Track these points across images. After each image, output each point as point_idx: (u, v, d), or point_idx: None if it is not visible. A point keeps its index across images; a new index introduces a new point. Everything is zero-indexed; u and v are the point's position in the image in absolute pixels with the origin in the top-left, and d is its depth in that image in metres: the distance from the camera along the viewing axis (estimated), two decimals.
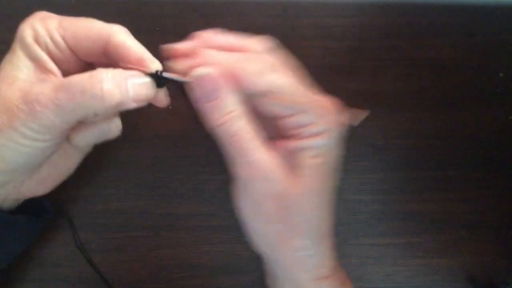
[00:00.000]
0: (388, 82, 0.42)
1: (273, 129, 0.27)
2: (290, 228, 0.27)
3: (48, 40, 0.26)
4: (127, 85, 0.25)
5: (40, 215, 0.33)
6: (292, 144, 0.26)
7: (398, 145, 0.41)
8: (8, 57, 0.27)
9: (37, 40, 0.26)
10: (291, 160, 0.26)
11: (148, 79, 0.26)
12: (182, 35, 0.44)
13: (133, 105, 0.26)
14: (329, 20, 0.44)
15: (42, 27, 0.26)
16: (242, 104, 0.25)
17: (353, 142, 0.41)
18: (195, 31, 0.45)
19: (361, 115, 0.24)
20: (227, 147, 0.26)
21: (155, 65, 0.27)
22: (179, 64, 0.26)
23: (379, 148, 0.41)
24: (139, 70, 0.26)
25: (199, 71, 0.24)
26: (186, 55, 0.26)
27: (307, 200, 0.26)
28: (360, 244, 0.39)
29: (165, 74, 0.26)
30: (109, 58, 0.28)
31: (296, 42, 0.43)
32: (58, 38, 0.27)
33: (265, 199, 0.27)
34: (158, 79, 0.27)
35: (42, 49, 0.26)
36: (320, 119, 0.26)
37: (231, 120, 0.25)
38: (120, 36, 0.27)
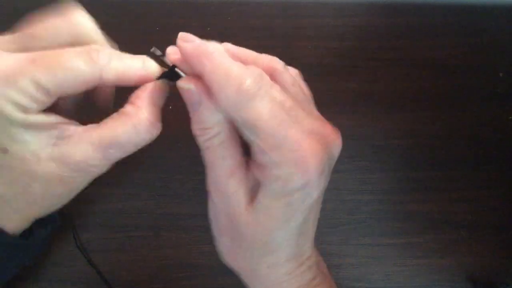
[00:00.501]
0: (388, 82, 0.42)
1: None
2: (236, 249, 0.28)
3: (36, 108, 0.23)
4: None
5: (46, 224, 0.32)
6: (259, 174, 0.25)
7: (398, 145, 0.41)
8: (4, 140, 0.23)
9: (25, 115, 0.22)
10: (253, 189, 0.26)
11: (166, 92, 0.26)
12: None
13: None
14: (329, 20, 0.44)
15: (22, 96, 0.22)
16: (222, 122, 0.25)
17: (353, 142, 0.41)
18: (195, 31, 0.45)
19: None
20: (202, 154, 0.26)
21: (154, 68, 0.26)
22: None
23: (379, 148, 0.41)
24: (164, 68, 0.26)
25: (182, 84, 0.24)
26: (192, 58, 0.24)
27: (254, 233, 0.26)
28: (360, 244, 0.39)
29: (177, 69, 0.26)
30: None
31: (296, 42, 0.43)
32: (45, 101, 0.23)
33: (218, 213, 0.27)
34: (174, 74, 0.26)
35: (38, 117, 0.23)
36: (286, 165, 0.23)
37: (205, 136, 0.25)
38: (111, 73, 0.24)
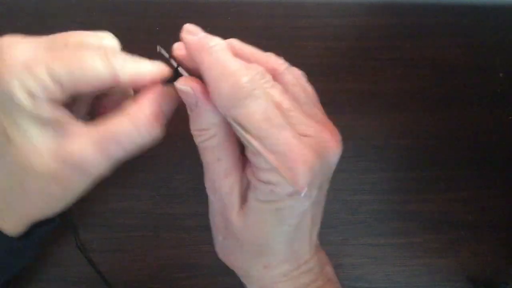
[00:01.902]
0: (388, 82, 0.42)
1: None
2: (228, 247, 0.28)
3: (47, 99, 0.23)
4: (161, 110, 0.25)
5: (46, 223, 0.32)
6: (250, 177, 0.25)
7: (398, 145, 0.41)
8: (10, 128, 0.23)
9: (35, 103, 0.22)
10: (246, 191, 0.26)
11: (175, 100, 0.26)
12: None
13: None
14: (329, 20, 0.44)
15: (34, 84, 0.22)
16: (218, 124, 0.24)
17: (353, 142, 0.41)
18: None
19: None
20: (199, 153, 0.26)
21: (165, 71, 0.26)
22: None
23: (379, 148, 0.41)
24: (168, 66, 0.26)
25: (179, 85, 0.24)
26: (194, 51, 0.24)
27: (245, 235, 0.26)
28: (360, 244, 0.39)
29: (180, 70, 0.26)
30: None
31: (296, 42, 0.43)
32: (55, 91, 0.23)
33: (216, 213, 0.27)
34: (177, 75, 0.26)
35: (44, 107, 0.23)
36: (277, 174, 0.23)
37: (201, 137, 0.25)
38: (124, 73, 0.24)
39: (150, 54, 0.28)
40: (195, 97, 0.24)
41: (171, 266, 0.38)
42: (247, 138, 0.23)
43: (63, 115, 0.24)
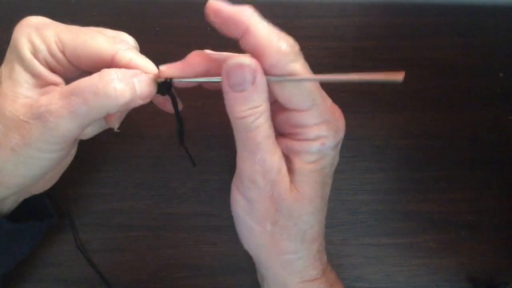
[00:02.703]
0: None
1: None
2: (280, 231, 0.27)
3: (48, 55, 0.25)
4: (134, 84, 0.25)
5: (43, 219, 0.33)
6: (291, 144, 0.26)
7: (398, 145, 0.41)
8: (5, 72, 0.26)
9: (35, 54, 0.25)
10: (288, 162, 0.26)
11: (151, 75, 0.26)
12: (182, 35, 0.44)
13: (140, 102, 0.26)
14: (329, 20, 0.44)
15: (39, 40, 0.25)
16: (267, 100, 0.25)
17: (353, 142, 0.41)
18: (195, 31, 0.45)
19: (396, 77, 0.23)
20: (240, 140, 0.26)
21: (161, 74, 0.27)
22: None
23: (379, 148, 0.41)
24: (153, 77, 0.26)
25: (240, 59, 0.24)
26: (229, 20, 0.24)
27: (300, 206, 0.27)
28: (360, 244, 0.39)
29: (175, 80, 0.26)
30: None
31: (296, 42, 0.43)
32: (57, 53, 0.25)
33: (260, 198, 0.27)
34: (168, 87, 0.27)
35: (42, 64, 0.25)
36: (326, 123, 0.25)
37: (254, 115, 0.24)
38: (126, 56, 0.26)
39: (150, 54, 0.28)
40: (254, 71, 0.24)
41: (171, 266, 0.38)
42: (306, 90, 0.24)
43: (53, 77, 0.26)
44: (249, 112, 0.24)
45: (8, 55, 0.26)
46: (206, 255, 0.38)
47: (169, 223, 0.38)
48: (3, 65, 0.26)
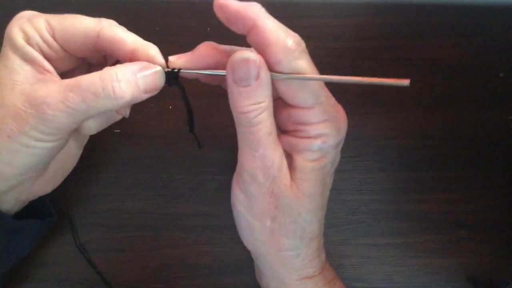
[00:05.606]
0: None
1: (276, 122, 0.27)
2: (279, 227, 0.27)
3: (39, 40, 0.26)
4: (137, 80, 0.25)
5: (44, 218, 0.33)
6: (292, 141, 0.26)
7: (398, 145, 0.41)
8: (1, 64, 0.26)
9: (28, 41, 0.26)
10: (289, 160, 0.27)
11: (158, 68, 0.26)
12: (182, 35, 0.44)
13: (145, 97, 0.26)
14: (329, 20, 0.44)
15: (31, 28, 0.26)
16: (270, 96, 0.25)
17: (353, 142, 0.41)
18: (195, 31, 0.45)
19: (402, 82, 0.23)
20: (242, 135, 0.26)
21: (153, 50, 0.27)
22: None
23: (379, 148, 0.41)
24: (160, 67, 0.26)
25: (245, 54, 0.24)
26: (237, 16, 0.24)
27: (300, 204, 0.27)
28: (360, 244, 0.39)
29: (183, 71, 0.26)
30: (102, 52, 0.28)
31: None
32: (48, 37, 0.26)
33: (260, 194, 0.27)
34: (175, 77, 0.27)
35: (35, 50, 0.26)
36: (328, 122, 0.26)
37: (257, 111, 0.24)
38: (110, 29, 0.26)
39: None
40: (259, 67, 0.24)
41: (171, 266, 0.38)
42: (310, 87, 0.25)
43: (47, 64, 0.27)
44: (252, 107, 0.24)
45: (3, 48, 0.27)
46: (206, 255, 0.38)
47: (169, 223, 0.38)
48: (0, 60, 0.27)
